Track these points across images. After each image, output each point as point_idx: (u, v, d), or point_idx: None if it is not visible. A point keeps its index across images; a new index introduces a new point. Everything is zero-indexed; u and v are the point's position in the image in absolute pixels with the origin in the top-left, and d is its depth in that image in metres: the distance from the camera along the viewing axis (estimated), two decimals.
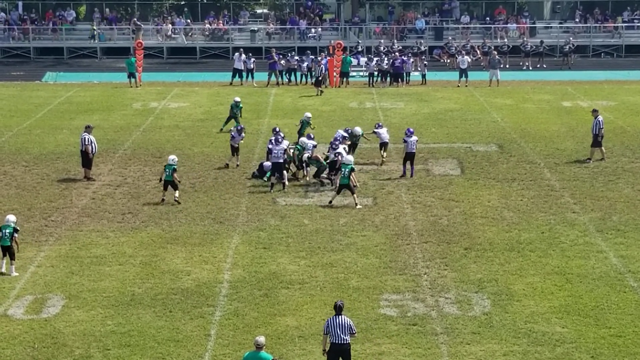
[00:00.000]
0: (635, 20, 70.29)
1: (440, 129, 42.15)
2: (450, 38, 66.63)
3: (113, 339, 21.09)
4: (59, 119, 45.39)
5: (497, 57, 55.89)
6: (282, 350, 20.44)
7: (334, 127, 42.37)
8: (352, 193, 30.75)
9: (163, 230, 28.44)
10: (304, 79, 55.97)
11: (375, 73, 55.21)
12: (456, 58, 59.18)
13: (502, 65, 57.65)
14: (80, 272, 25.00)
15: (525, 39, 65.86)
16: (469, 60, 55.87)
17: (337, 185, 31.34)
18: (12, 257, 25.08)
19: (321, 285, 24.13)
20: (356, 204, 30.67)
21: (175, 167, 31.43)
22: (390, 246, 26.93)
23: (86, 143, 33.85)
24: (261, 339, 18.14)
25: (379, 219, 29.45)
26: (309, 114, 38.71)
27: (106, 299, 23.29)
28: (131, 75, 54.95)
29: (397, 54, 57.58)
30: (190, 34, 69.80)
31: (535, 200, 31.39)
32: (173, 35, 69.53)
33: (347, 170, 30.70)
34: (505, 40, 66.31)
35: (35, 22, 69.91)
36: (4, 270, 25.01)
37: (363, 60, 59.72)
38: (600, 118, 36.65)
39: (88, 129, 34.63)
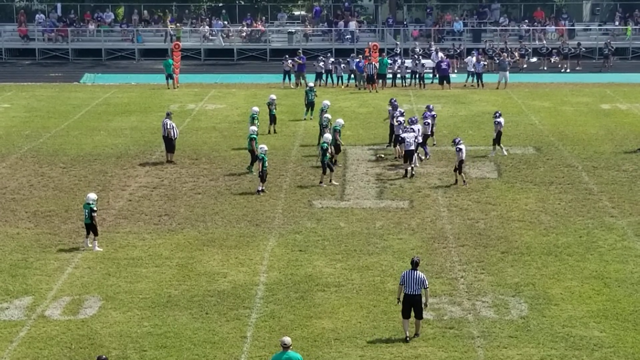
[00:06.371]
0: None
1: (478, 131, 41.96)
2: (486, 40, 66.30)
3: (149, 340, 21.17)
4: (97, 120, 45.63)
5: (506, 59, 55.99)
6: (318, 352, 20.44)
7: (370, 129, 42.46)
8: (331, 171, 33.92)
9: (199, 233, 28.51)
10: (340, 81, 55.95)
11: (408, 75, 55.28)
12: (494, 60, 58.94)
13: (511, 68, 57.56)
14: (117, 274, 25.11)
15: (564, 41, 65.43)
16: (474, 61, 55.82)
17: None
18: (95, 234, 26.99)
19: (357, 288, 24.09)
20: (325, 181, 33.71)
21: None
22: (426, 249, 26.83)
23: (168, 127, 36.51)
24: (287, 339, 18.37)
25: (415, 222, 29.36)
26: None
27: (143, 300, 23.38)
28: (169, 76, 55.18)
29: (443, 56, 57.54)
30: (227, 35, 69.94)
31: (572, 204, 31.17)
32: (210, 37, 69.71)
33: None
34: (544, 42, 65.94)
35: (74, 24, 70.32)
36: (89, 245, 27.01)
37: (399, 62, 59.67)
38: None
39: (169, 115, 37.43)
